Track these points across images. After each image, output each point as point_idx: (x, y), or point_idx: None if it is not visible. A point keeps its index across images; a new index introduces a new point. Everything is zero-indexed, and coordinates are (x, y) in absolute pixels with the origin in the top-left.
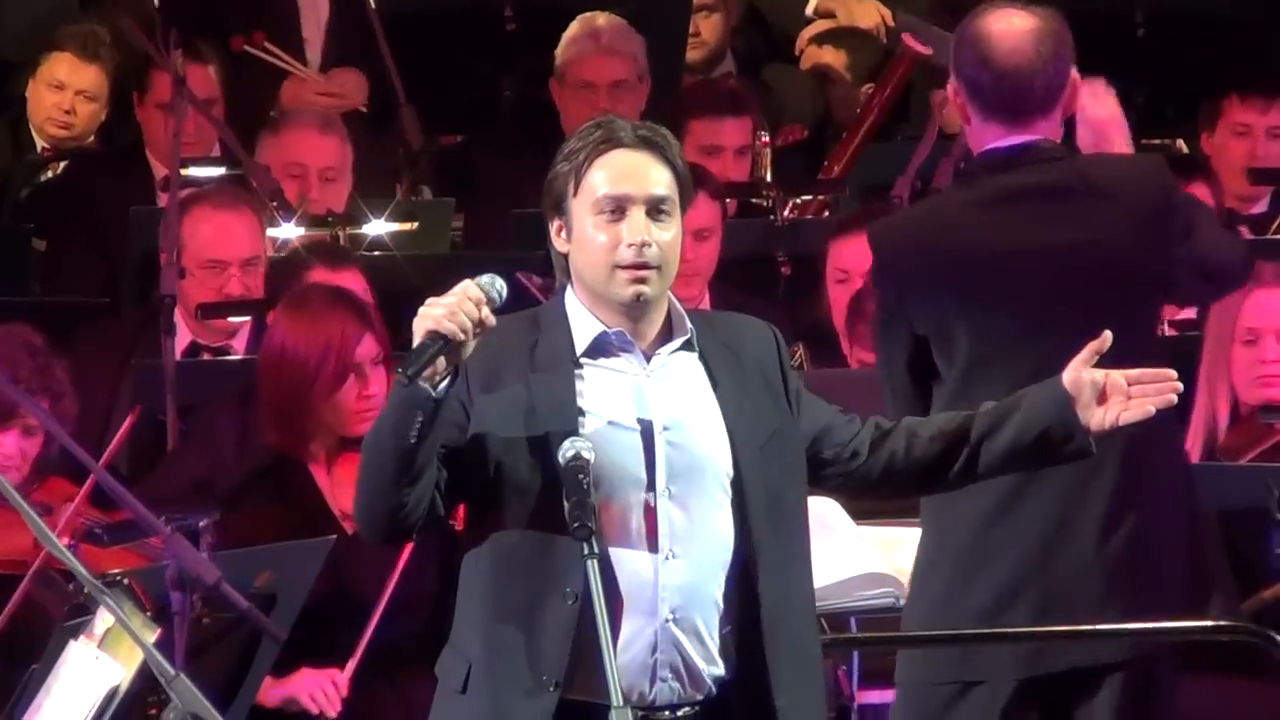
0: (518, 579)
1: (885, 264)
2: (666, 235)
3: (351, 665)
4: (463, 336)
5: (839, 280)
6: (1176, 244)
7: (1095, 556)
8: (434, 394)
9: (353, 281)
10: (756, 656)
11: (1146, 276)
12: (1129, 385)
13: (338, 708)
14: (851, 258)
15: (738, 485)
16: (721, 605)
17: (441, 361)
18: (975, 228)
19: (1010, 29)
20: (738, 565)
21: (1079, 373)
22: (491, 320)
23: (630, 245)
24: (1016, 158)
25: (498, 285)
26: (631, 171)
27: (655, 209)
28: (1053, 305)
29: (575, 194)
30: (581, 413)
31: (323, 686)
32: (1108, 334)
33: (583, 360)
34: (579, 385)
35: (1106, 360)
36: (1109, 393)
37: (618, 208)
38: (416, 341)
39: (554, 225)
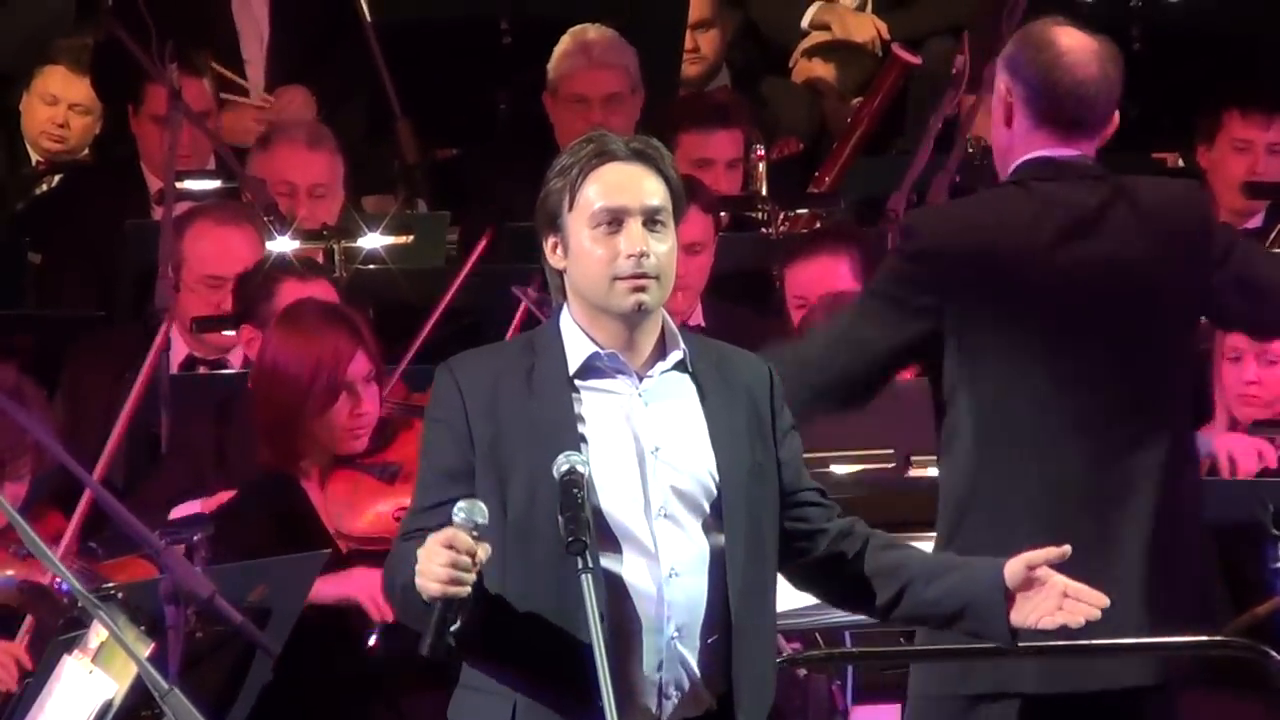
0: (545, 609)
1: (929, 251)
2: (663, 246)
3: None
4: (468, 590)
5: (799, 306)
6: (1215, 268)
7: (1136, 579)
8: (459, 627)
9: (323, 293)
10: (726, 678)
11: (1182, 299)
12: (1064, 594)
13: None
14: (808, 283)
15: (719, 508)
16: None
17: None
18: (1025, 236)
19: (1080, 44)
20: (717, 586)
21: (1024, 568)
22: (485, 553)
23: (629, 256)
24: (1063, 169)
25: (477, 515)
26: (626, 184)
27: (651, 220)
28: (1089, 321)
29: (570, 209)
30: (582, 438)
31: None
32: (1067, 548)
33: (576, 382)
34: (577, 409)
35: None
36: (1046, 593)
37: (614, 220)
38: (427, 599)
39: (549, 243)
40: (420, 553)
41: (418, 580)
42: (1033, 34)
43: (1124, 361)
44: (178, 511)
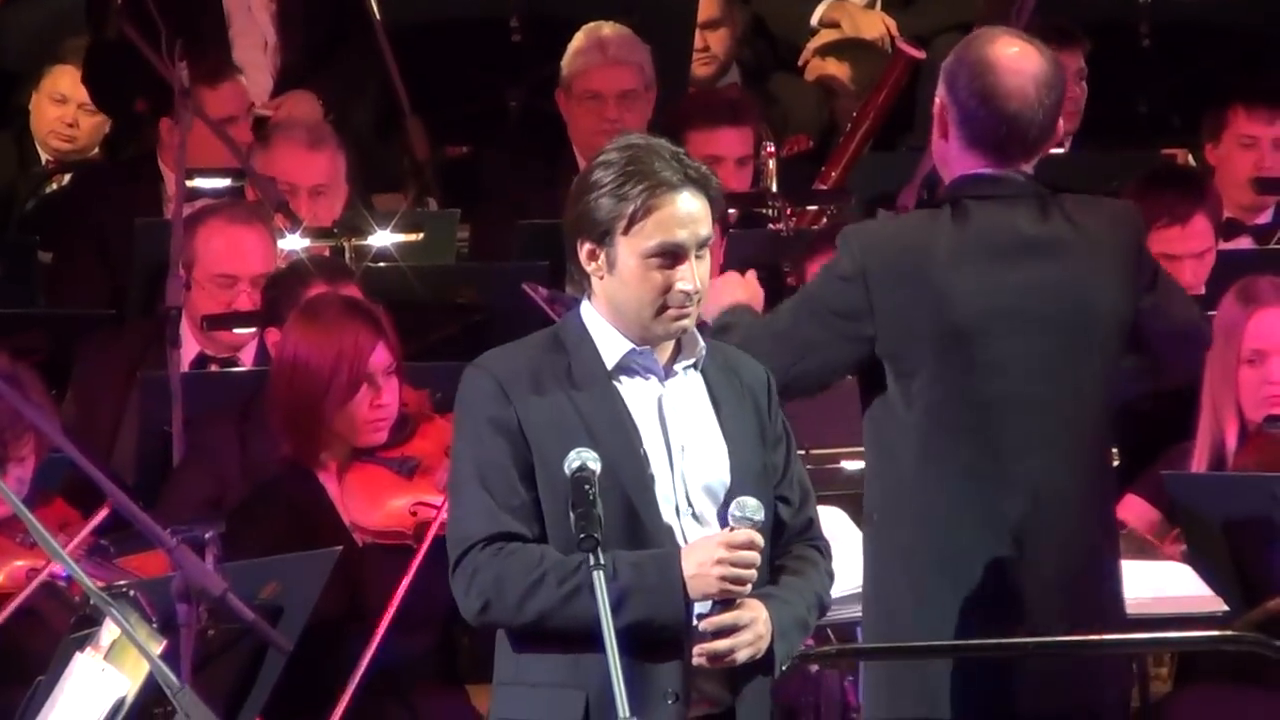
0: None
1: (861, 273)
2: (704, 270)
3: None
4: None
5: None
6: (1143, 292)
7: (1053, 602)
8: None
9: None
10: (725, 677)
11: (1114, 318)
12: None
13: None
14: None
15: (727, 505)
16: None
17: None
18: (957, 257)
19: (1019, 66)
20: None
21: None
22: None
23: (683, 292)
24: (998, 185)
25: (752, 512)
26: (687, 220)
27: (699, 248)
28: (1022, 341)
29: (626, 232)
30: (636, 431)
31: None
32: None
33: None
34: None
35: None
36: None
37: (670, 255)
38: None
39: (586, 248)
40: (710, 555)
41: (702, 584)
42: (971, 51)
43: (1056, 381)
44: None
